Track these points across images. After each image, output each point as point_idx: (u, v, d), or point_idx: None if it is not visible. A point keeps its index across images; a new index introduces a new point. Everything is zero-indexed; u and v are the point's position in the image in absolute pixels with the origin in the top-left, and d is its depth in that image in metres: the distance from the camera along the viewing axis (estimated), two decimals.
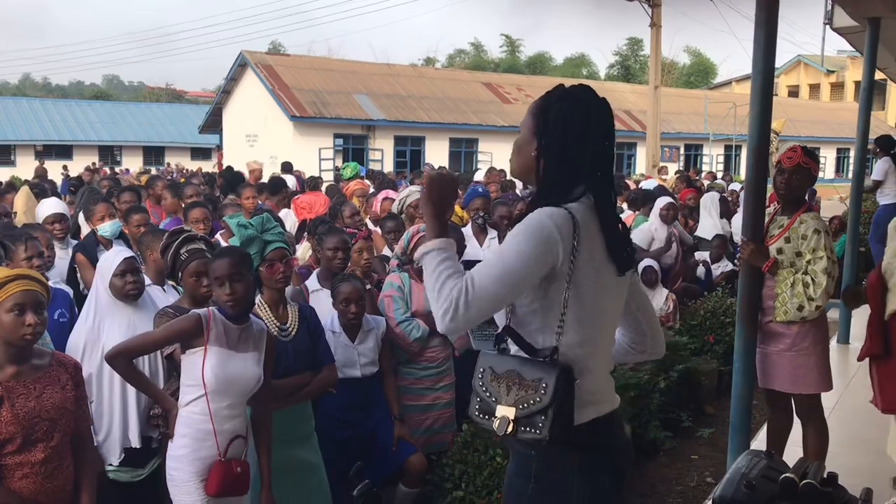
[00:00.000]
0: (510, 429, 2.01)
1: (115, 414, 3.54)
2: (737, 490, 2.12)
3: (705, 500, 4.55)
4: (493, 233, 6.35)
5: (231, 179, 11.20)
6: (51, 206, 5.89)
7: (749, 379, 3.96)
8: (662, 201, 7.74)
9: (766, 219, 4.15)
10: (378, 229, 6.52)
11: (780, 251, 4.03)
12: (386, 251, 5.87)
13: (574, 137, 2.14)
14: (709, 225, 8.89)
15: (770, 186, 4.45)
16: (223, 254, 3.20)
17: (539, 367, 2.04)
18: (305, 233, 6.26)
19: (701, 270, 8.32)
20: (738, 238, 8.47)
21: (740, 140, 29.79)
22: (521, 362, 2.09)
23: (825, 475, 2.13)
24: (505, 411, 2.03)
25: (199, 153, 40.11)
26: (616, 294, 2.24)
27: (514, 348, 2.17)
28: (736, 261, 4.18)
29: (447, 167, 21.50)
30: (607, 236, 2.15)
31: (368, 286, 4.49)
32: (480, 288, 1.98)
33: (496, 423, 2.04)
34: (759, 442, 4.68)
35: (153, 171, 22.03)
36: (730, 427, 4.06)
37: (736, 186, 11.15)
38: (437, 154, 26.78)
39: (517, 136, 2.28)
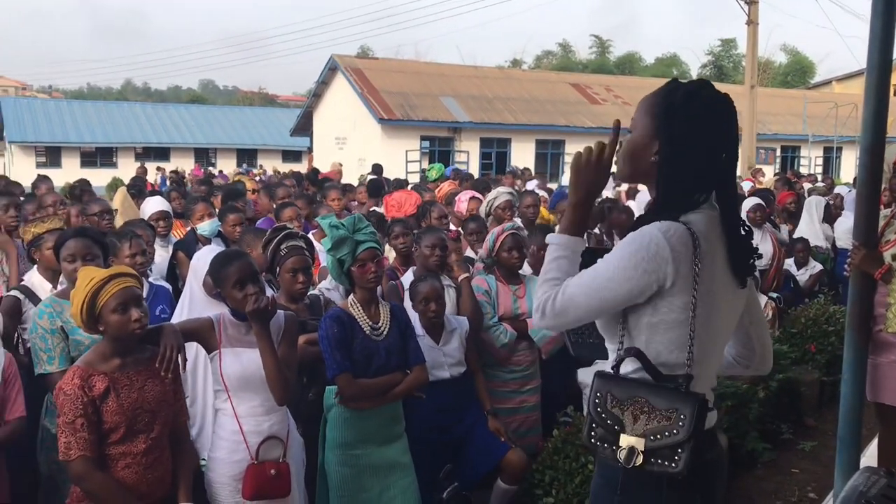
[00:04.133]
0: (639, 460, 1.90)
1: (208, 410, 3.59)
2: None
3: None
4: None
5: (317, 182, 11.41)
6: (155, 204, 6.12)
7: (859, 391, 3.73)
8: (750, 203, 7.38)
9: (882, 222, 3.93)
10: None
11: (895, 257, 3.80)
12: (469, 252, 5.83)
13: (703, 140, 1.97)
14: (807, 229, 8.51)
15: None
16: (234, 258, 3.20)
17: (671, 395, 1.91)
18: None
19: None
20: (841, 243, 8.13)
21: (841, 141, 28.57)
22: (648, 389, 1.95)
23: None
24: (632, 441, 1.91)
25: (291, 156, 41.06)
26: (734, 309, 2.10)
27: (628, 367, 2.04)
28: (846, 266, 3.96)
29: (532, 169, 21.33)
30: (730, 246, 2.02)
31: (455, 286, 4.49)
32: (570, 297, 1.97)
33: (622, 454, 1.92)
34: (869, 458, 4.42)
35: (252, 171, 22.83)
36: (837, 441, 3.83)
37: (843, 189, 10.63)
38: (523, 156, 26.63)
39: (627, 138, 2.10)
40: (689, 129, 1.96)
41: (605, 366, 2.10)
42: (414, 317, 4.12)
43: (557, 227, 2.14)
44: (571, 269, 2.04)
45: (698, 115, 1.97)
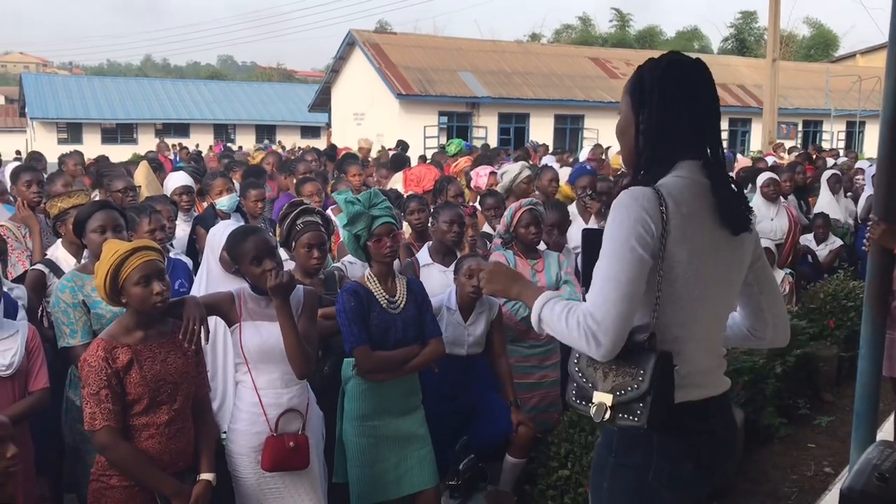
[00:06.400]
0: (608, 415, 1.97)
1: (228, 383, 3.62)
2: (868, 482, 2.01)
3: (825, 491, 4.36)
4: None
5: (333, 157, 11.39)
6: (179, 179, 6.17)
7: (876, 366, 3.73)
8: (763, 178, 7.38)
9: None
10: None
11: None
12: (486, 228, 5.83)
13: (673, 105, 2.05)
14: (826, 204, 8.45)
15: None
16: (250, 234, 3.20)
17: (636, 352, 1.96)
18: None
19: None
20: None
21: (864, 116, 28.16)
22: None
23: None
24: (602, 398, 1.98)
25: (309, 131, 41.13)
26: (728, 269, 2.09)
27: None
28: (864, 241, 3.93)
29: (551, 145, 21.20)
30: (718, 199, 2.04)
31: None
32: (602, 303, 1.92)
33: (593, 410, 1.99)
34: (885, 433, 4.43)
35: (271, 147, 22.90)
36: (854, 416, 3.84)
37: (864, 164, 10.51)
38: (541, 131, 26.48)
39: (618, 122, 2.20)
40: (654, 96, 2.06)
41: None
42: (451, 290, 4.15)
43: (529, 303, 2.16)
44: (573, 297, 2.11)
45: (663, 82, 2.06)
